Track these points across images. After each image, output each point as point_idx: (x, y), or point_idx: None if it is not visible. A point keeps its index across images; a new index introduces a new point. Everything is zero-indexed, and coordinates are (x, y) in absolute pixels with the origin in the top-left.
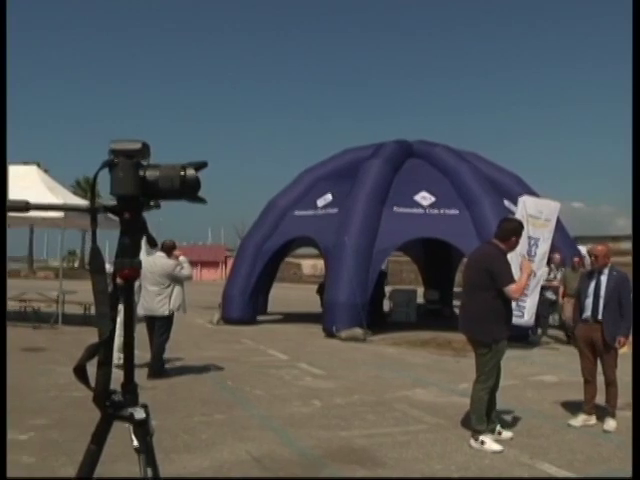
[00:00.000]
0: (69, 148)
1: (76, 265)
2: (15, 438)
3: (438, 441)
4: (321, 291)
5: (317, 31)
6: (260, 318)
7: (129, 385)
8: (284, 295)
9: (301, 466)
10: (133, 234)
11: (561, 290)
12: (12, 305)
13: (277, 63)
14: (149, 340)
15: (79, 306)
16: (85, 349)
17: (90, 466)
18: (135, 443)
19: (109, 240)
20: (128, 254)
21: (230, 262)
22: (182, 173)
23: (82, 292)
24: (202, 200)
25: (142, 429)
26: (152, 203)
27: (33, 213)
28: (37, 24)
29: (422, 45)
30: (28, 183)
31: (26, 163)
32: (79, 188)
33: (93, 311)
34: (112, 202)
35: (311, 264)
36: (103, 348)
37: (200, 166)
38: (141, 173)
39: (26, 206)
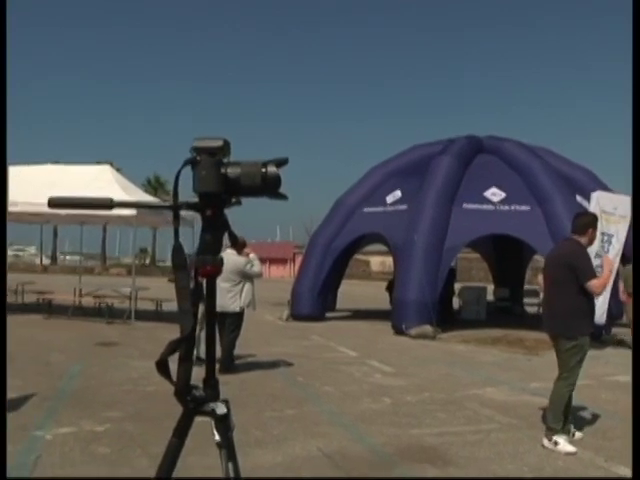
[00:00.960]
0: (139, 148)
1: (147, 262)
2: (92, 429)
3: (510, 441)
4: (390, 288)
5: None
6: (329, 315)
7: (210, 380)
8: (353, 292)
9: (371, 463)
10: (215, 231)
11: (621, 288)
12: (87, 301)
13: (350, 65)
14: (219, 336)
15: (151, 302)
16: (167, 344)
17: (172, 459)
18: (217, 438)
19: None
20: (210, 251)
21: (299, 259)
22: (263, 170)
23: (154, 289)
24: (283, 196)
25: (223, 424)
26: (233, 200)
27: (107, 211)
28: (118, 21)
29: (500, 38)
30: (102, 183)
31: (99, 163)
32: (150, 187)
33: (164, 307)
34: (194, 199)
35: (380, 261)
36: (185, 344)
37: (281, 162)
38: (223, 170)
39: (111, 203)
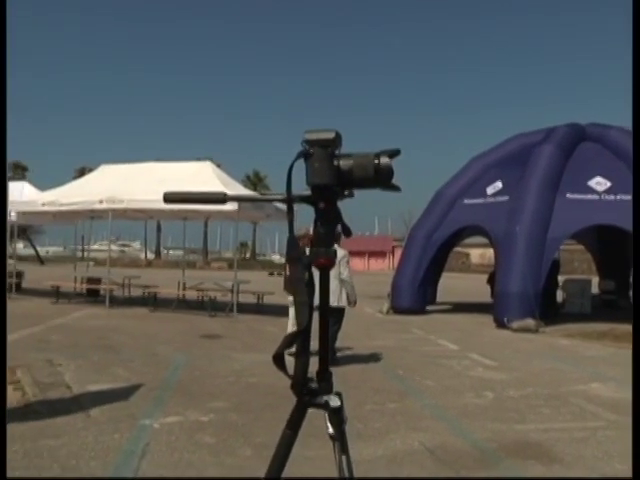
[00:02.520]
0: (237, 144)
1: (247, 256)
2: (197, 419)
3: (619, 439)
4: (491, 281)
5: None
6: (429, 308)
7: (324, 373)
8: (453, 285)
9: (475, 459)
10: (328, 224)
11: None
12: (190, 295)
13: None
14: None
15: (252, 295)
16: (284, 337)
17: (285, 450)
18: (330, 430)
19: (278, 232)
20: (323, 243)
21: (398, 252)
22: (376, 161)
23: (254, 282)
24: (396, 188)
25: (337, 417)
26: (346, 192)
27: (209, 206)
28: (216, 16)
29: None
30: (204, 179)
31: (199, 159)
32: (249, 182)
33: (265, 300)
34: (307, 192)
35: (479, 253)
36: (301, 337)
37: (394, 153)
38: (335, 162)
39: (224, 198)
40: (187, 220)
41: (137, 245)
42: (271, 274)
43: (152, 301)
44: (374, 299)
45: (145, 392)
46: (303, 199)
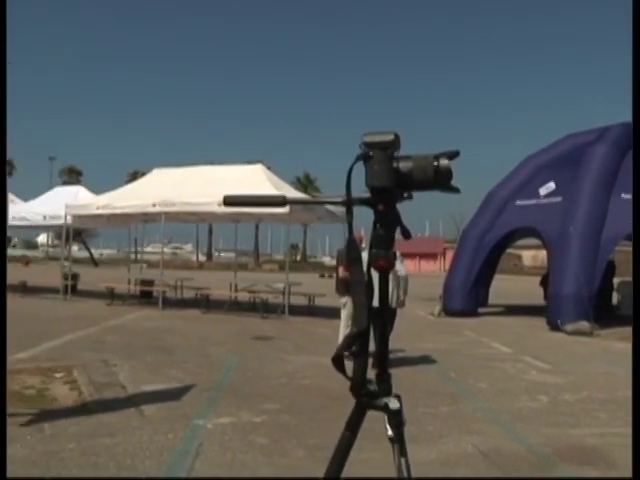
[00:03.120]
0: (287, 146)
1: (298, 258)
2: (250, 420)
3: None
4: (545, 283)
5: None
6: (481, 310)
7: (383, 375)
8: (505, 287)
9: (530, 463)
10: (387, 226)
11: None
12: (242, 296)
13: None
14: (373, 331)
15: (304, 297)
16: (343, 339)
17: (344, 452)
18: (389, 433)
19: (329, 234)
20: (382, 245)
21: (449, 254)
22: (435, 163)
23: (306, 284)
24: (456, 189)
25: (396, 419)
26: (405, 194)
27: (262, 209)
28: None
29: None
30: (255, 181)
31: (249, 162)
32: (300, 184)
33: (317, 302)
34: (366, 194)
35: (532, 255)
36: (360, 338)
37: (453, 155)
38: (395, 165)
39: (283, 201)
40: (239, 222)
41: (189, 247)
42: (322, 276)
43: (204, 303)
44: (425, 301)
45: (198, 393)
46: (362, 201)
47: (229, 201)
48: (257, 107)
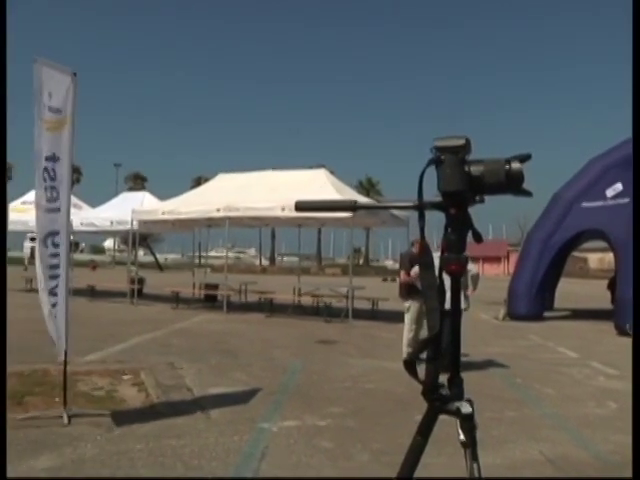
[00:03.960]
0: (349, 150)
1: (361, 262)
2: (315, 424)
3: None
4: (612, 286)
5: None
6: (547, 314)
7: (455, 379)
8: (571, 290)
9: (598, 471)
10: (459, 230)
11: None
12: (305, 300)
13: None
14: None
15: (367, 301)
16: (416, 343)
17: (416, 456)
18: (461, 437)
19: (391, 238)
20: (454, 250)
21: (513, 257)
22: (507, 167)
23: (369, 288)
24: (528, 193)
25: (468, 423)
26: (477, 198)
27: (327, 213)
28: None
29: None
30: (318, 186)
31: (311, 167)
32: (362, 188)
33: (380, 306)
34: (437, 198)
35: (598, 258)
36: (432, 342)
37: (524, 158)
38: (466, 168)
39: (354, 205)
40: (302, 227)
41: (252, 252)
42: (385, 280)
43: (268, 306)
44: (489, 305)
45: (263, 396)
46: (434, 205)
47: (301, 206)
48: (319, 111)
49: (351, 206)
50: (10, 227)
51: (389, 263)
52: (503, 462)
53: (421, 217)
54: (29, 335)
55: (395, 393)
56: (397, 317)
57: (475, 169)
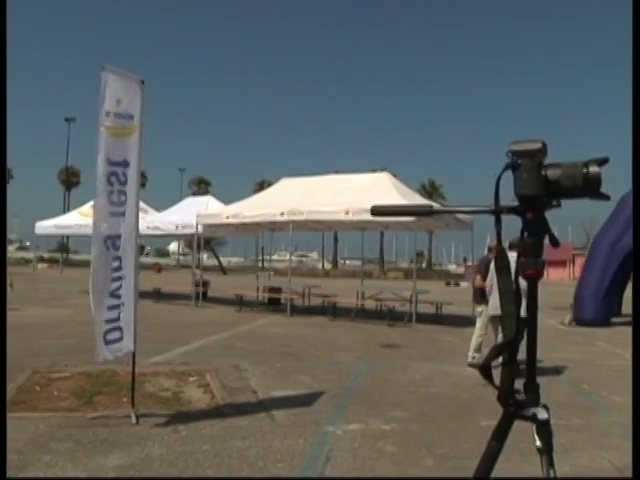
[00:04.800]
0: (411, 153)
1: (423, 266)
2: (379, 428)
3: None
4: None
5: None
6: (614, 320)
7: (531, 384)
8: None
9: None
10: (536, 234)
11: None
12: (368, 304)
13: None
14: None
15: (430, 305)
16: (491, 348)
17: (490, 461)
18: (538, 443)
19: (454, 241)
20: (531, 254)
21: (578, 261)
22: (585, 170)
23: (432, 292)
24: (605, 197)
25: (545, 429)
26: (554, 202)
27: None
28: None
29: None
30: (381, 189)
31: (374, 170)
32: (424, 192)
33: (444, 310)
34: (513, 203)
35: None
36: (508, 347)
37: (602, 162)
38: (543, 172)
39: (430, 210)
40: (365, 230)
41: (314, 255)
42: (447, 284)
43: (331, 310)
44: (555, 310)
45: (328, 399)
46: (511, 210)
47: (377, 211)
48: (381, 114)
49: (428, 211)
50: (80, 230)
51: (452, 267)
52: (571, 470)
53: (498, 222)
54: None
55: (459, 398)
56: (461, 321)
57: (552, 173)
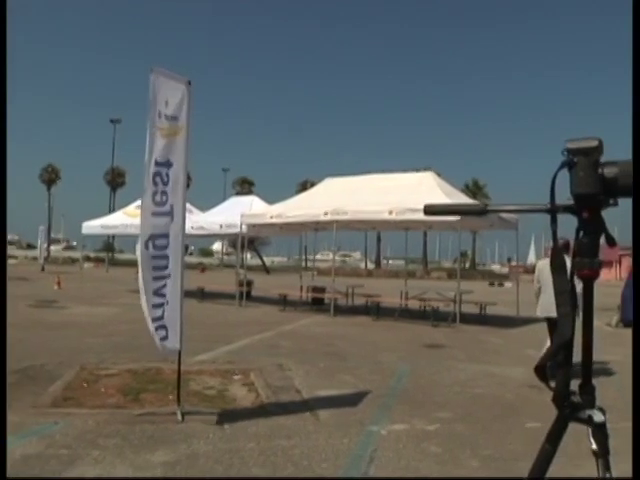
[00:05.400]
0: (455, 152)
1: (467, 266)
2: (423, 428)
3: None
4: None
5: None
6: None
7: (587, 386)
8: None
9: None
10: (592, 233)
11: None
12: (412, 304)
13: None
14: (550, 340)
15: (474, 305)
16: (547, 349)
17: (544, 464)
18: (594, 446)
19: (498, 240)
20: (587, 254)
21: (625, 262)
22: None
23: (476, 292)
24: None
25: (601, 432)
26: (611, 201)
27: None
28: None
29: None
30: (425, 188)
31: (417, 170)
32: (468, 191)
33: (488, 311)
34: (569, 202)
35: None
36: (564, 349)
37: None
38: (600, 171)
39: (484, 209)
40: (408, 230)
41: (357, 255)
42: (491, 284)
43: (375, 310)
44: (602, 311)
45: (372, 399)
46: (567, 209)
47: (430, 210)
48: (424, 112)
49: (482, 210)
50: (125, 230)
51: (496, 267)
52: (619, 474)
53: (554, 221)
54: (142, 334)
55: (504, 399)
56: (506, 322)
57: (609, 171)
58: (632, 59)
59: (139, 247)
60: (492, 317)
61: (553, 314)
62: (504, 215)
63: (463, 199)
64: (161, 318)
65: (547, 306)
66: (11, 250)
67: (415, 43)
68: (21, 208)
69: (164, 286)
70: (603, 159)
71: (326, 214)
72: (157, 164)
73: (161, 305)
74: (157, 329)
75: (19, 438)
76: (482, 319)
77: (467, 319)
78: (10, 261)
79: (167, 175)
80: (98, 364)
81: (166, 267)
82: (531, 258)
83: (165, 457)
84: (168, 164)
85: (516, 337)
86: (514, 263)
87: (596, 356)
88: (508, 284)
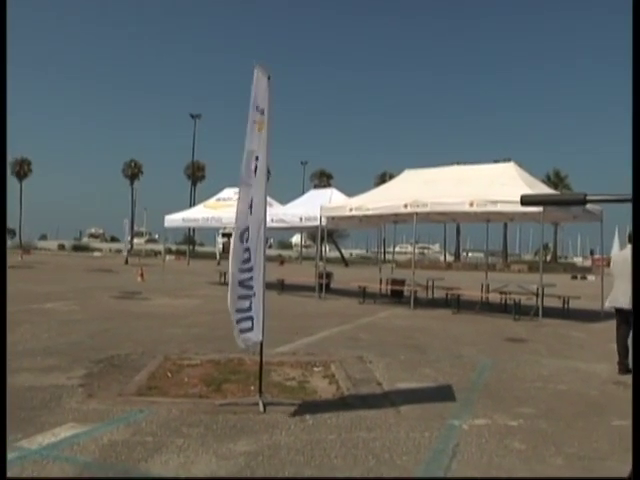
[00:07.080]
0: (536, 142)
1: (548, 258)
2: (505, 424)
3: None
4: None
5: None
6: None
7: None
8: None
9: None
10: None
11: None
12: (493, 297)
13: None
14: (617, 332)
15: (557, 299)
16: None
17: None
18: None
19: (580, 232)
20: None
21: None
22: None
23: (559, 286)
24: None
25: None
26: None
27: (513, 208)
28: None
29: None
30: (506, 179)
31: (496, 161)
32: (550, 182)
33: (572, 305)
34: None
35: None
36: None
37: None
38: None
39: (584, 199)
40: (489, 222)
41: (436, 247)
42: (574, 277)
43: (455, 303)
44: None
45: (453, 393)
46: None
47: (527, 200)
48: (502, 102)
49: (581, 199)
50: (206, 223)
51: (578, 260)
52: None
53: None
54: (223, 325)
55: (589, 396)
56: (589, 316)
57: None
58: (632, 60)
59: (219, 239)
60: (575, 311)
61: (619, 304)
62: (589, 206)
63: (545, 190)
64: (248, 309)
65: (615, 296)
66: (96, 243)
67: (489, 34)
68: (105, 202)
69: (250, 278)
70: None
71: (406, 206)
72: (256, 159)
73: (248, 297)
74: (242, 320)
75: (106, 425)
76: (565, 313)
77: (549, 313)
78: (95, 254)
79: (256, 168)
80: (181, 354)
81: (251, 259)
82: (615, 250)
83: (247, 447)
84: (256, 157)
85: (600, 332)
86: (597, 256)
87: None
88: (591, 277)
